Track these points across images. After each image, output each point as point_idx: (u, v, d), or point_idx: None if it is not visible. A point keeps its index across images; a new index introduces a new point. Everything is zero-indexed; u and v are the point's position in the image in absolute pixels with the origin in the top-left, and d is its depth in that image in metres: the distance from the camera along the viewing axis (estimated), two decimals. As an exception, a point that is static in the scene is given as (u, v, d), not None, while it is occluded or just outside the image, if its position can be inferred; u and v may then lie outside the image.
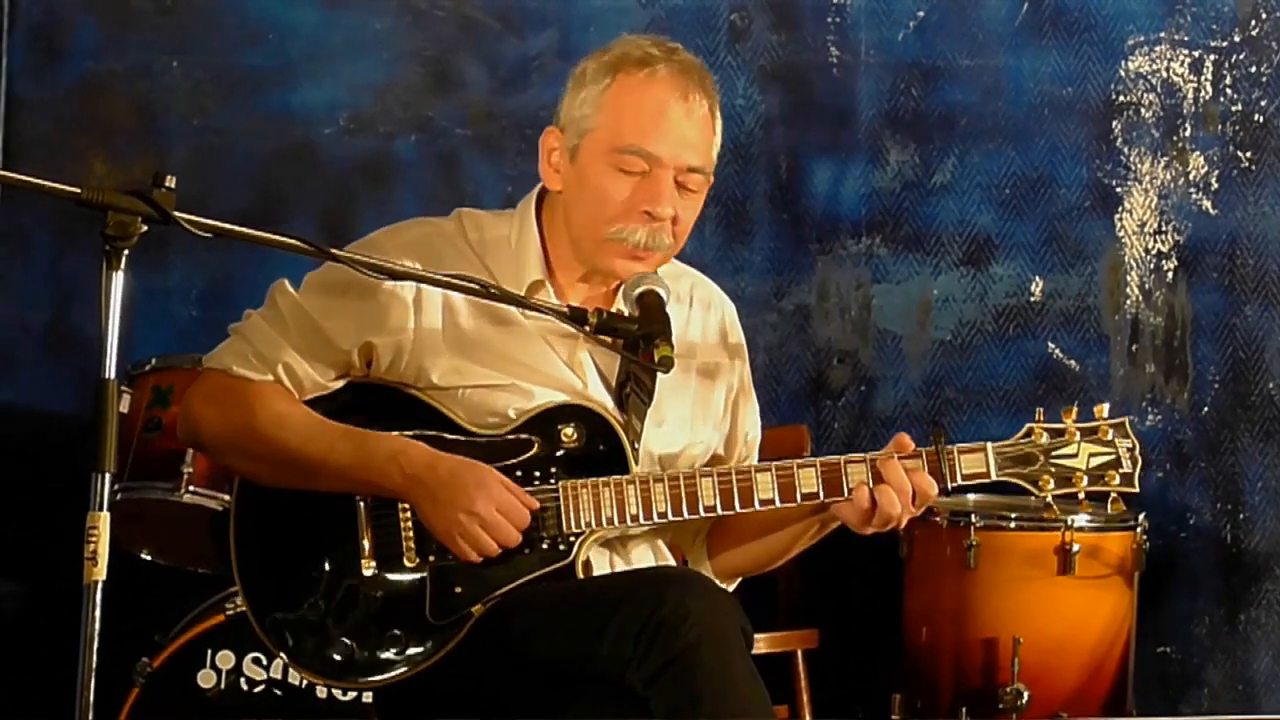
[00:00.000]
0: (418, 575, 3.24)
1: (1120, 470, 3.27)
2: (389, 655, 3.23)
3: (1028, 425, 3.30)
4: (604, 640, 3.02)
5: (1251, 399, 5.45)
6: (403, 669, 3.23)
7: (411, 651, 3.22)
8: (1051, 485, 3.28)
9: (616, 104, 3.29)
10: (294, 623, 3.26)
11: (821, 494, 3.25)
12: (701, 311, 3.53)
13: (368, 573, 3.25)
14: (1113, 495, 3.30)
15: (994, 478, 3.27)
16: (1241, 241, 5.45)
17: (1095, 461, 3.28)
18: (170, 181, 2.77)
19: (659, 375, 3.32)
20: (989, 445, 3.27)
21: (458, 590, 3.23)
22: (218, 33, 5.39)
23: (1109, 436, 3.28)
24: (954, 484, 3.26)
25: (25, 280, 5.33)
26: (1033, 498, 3.32)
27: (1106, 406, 3.32)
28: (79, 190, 2.72)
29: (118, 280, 2.71)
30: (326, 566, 3.26)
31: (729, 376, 3.54)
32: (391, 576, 3.25)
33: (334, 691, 4.35)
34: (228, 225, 2.91)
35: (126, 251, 2.71)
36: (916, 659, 4.78)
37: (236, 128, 5.37)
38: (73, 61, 5.38)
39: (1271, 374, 5.44)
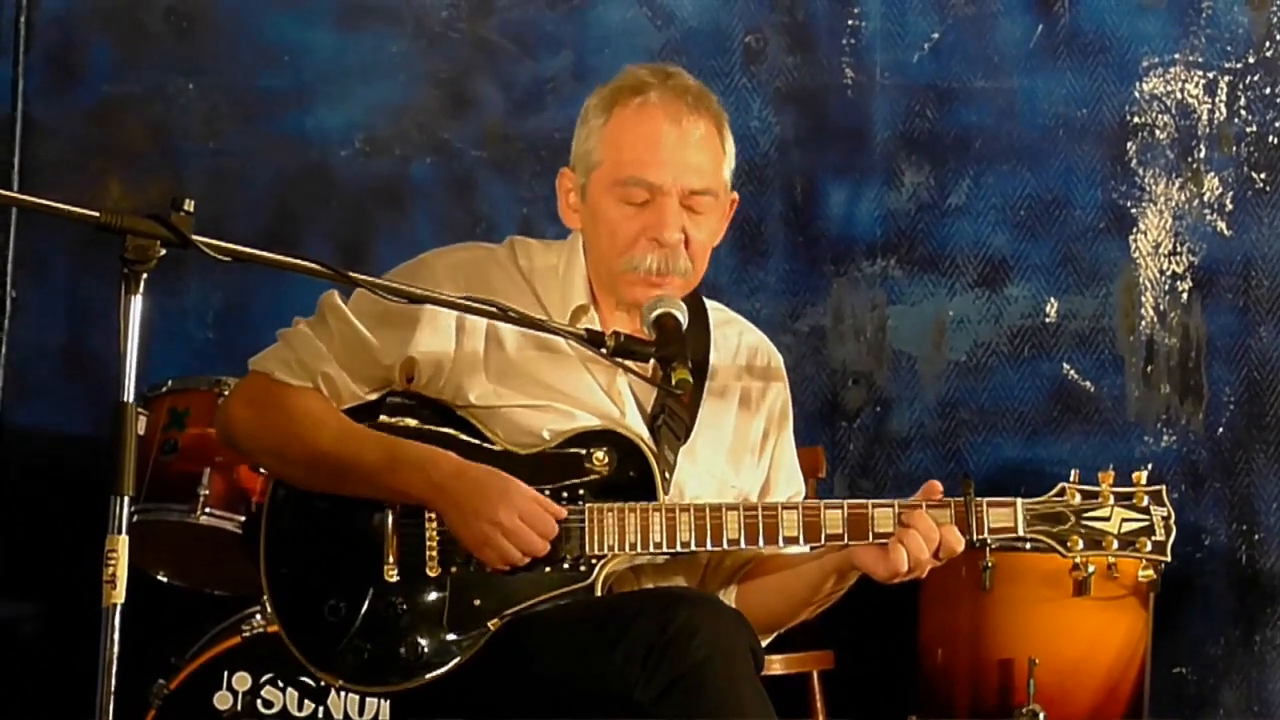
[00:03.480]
0: (438, 585, 3.25)
1: (1153, 538, 3.22)
2: (405, 662, 3.22)
3: (1061, 484, 3.25)
4: (613, 657, 3.02)
5: (1266, 420, 5.44)
6: (417, 678, 3.22)
7: (428, 660, 3.22)
8: (1080, 546, 3.22)
9: (615, 137, 3.32)
10: (314, 624, 3.26)
11: (846, 536, 3.22)
12: (747, 357, 3.54)
13: (391, 580, 3.25)
14: (1142, 562, 3.25)
15: (1021, 534, 3.22)
16: (1256, 262, 5.45)
17: (1128, 527, 3.23)
18: (189, 205, 2.76)
19: (698, 414, 3.37)
20: (1019, 501, 3.23)
21: (476, 603, 3.23)
22: (233, 55, 5.41)
23: (1144, 503, 3.23)
24: (980, 537, 3.21)
25: (42, 303, 5.34)
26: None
27: (1145, 473, 3.27)
28: (98, 214, 2.71)
29: (136, 304, 2.70)
30: (351, 571, 3.27)
31: (766, 420, 3.53)
32: (413, 585, 3.25)
33: (351, 712, 4.35)
34: (247, 249, 2.90)
35: (145, 275, 2.70)
36: (932, 680, 4.77)
37: (252, 150, 5.39)
38: (88, 84, 5.40)
39: (1287, 395, 5.45)
